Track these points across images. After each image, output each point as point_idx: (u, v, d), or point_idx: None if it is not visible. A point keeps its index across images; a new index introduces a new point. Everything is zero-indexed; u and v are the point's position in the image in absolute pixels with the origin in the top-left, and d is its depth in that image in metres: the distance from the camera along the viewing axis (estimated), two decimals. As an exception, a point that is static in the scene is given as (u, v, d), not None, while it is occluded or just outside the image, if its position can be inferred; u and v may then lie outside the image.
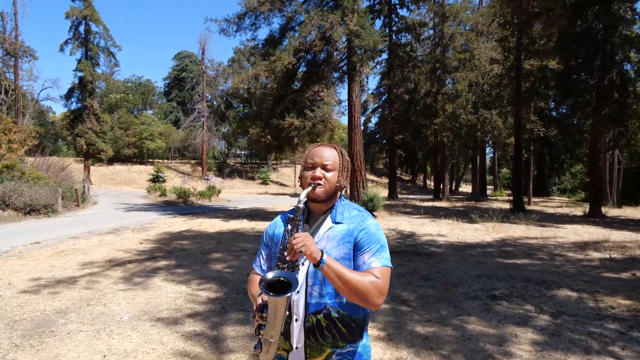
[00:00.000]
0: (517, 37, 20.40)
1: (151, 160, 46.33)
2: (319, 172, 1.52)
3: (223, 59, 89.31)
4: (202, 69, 43.35)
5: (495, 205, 24.88)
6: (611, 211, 20.15)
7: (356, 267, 1.48)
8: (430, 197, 33.10)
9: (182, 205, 19.55)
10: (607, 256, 8.09)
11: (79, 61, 34.85)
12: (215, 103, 46.57)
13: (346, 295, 1.40)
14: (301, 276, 1.48)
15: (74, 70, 35.01)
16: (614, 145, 20.61)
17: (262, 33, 36.68)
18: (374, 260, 1.46)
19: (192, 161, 47.98)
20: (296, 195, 33.57)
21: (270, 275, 1.31)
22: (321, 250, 1.36)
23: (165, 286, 5.40)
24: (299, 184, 1.66)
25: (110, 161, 41.08)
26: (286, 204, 22.69)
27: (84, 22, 34.96)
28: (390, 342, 3.81)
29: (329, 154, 1.56)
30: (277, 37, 15.48)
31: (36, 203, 13.69)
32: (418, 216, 16.09)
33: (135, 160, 45.03)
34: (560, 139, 23.30)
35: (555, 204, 28.52)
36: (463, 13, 29.29)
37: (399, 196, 31.68)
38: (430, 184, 55.49)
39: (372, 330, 4.06)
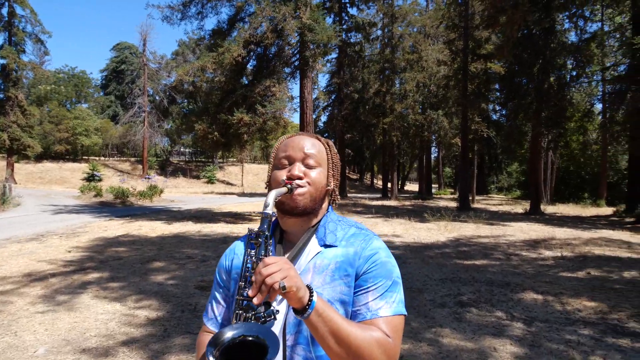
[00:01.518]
0: (464, 39, 20.87)
1: (86, 157, 43.13)
2: (297, 169, 1.05)
3: (166, 52, 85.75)
4: (143, 62, 40.96)
5: (442, 203, 25.46)
6: (548, 208, 21.20)
7: (354, 313, 0.98)
8: (378, 195, 33.39)
9: (119, 206, 18.11)
10: (559, 254, 8.20)
11: (1, 47, 31.57)
12: (157, 98, 44.22)
13: (335, 354, 0.89)
14: (276, 329, 0.96)
15: (-6, 57, 31.71)
16: (554, 147, 21.67)
17: (210, 23, 35.44)
18: (382, 306, 0.97)
19: (132, 159, 45.29)
20: (245, 194, 32.57)
21: (227, 333, 0.77)
22: (308, 287, 0.86)
23: (96, 305, 4.60)
24: (265, 187, 1.13)
25: (39, 158, 37.72)
26: (234, 203, 21.79)
27: (6, 3, 31.74)
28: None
29: (311, 144, 1.10)
30: (226, 28, 14.66)
31: (-56, 205, 11.97)
32: (370, 216, 15.93)
33: (67, 157, 41.69)
34: (503, 140, 24.19)
35: (495, 202, 29.73)
36: (411, 15, 29.80)
37: (348, 195, 31.66)
38: (378, 182, 56.37)
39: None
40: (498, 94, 24.73)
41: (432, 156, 43.02)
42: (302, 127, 14.95)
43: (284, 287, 0.79)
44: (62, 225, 11.33)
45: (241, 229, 11.51)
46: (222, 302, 1.10)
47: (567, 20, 18.81)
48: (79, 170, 35.62)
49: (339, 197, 1.17)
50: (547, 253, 8.42)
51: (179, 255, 7.39)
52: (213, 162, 47.93)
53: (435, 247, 9.08)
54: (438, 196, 36.10)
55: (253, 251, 0.91)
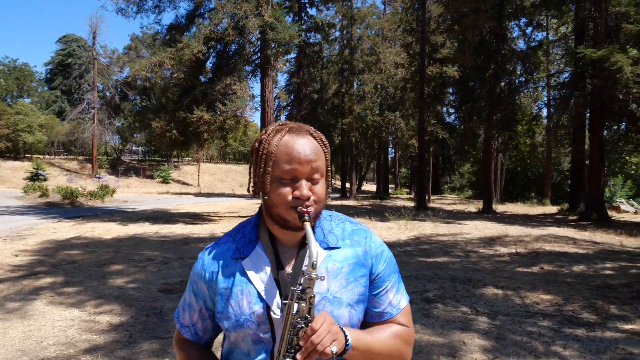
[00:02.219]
0: (421, 43, 21.46)
1: (29, 155, 40.52)
2: (305, 189, 0.93)
3: (118, 46, 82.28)
4: (92, 56, 39.07)
5: (400, 203, 26.04)
6: (499, 207, 22.22)
7: (379, 314, 1.00)
8: (337, 195, 33.66)
9: (68, 207, 17.16)
10: (514, 251, 8.60)
11: None
12: (108, 94, 42.32)
13: None
14: None
15: None
16: (505, 149, 22.71)
17: (167, 17, 34.27)
18: (400, 299, 1.04)
19: (80, 157, 43.06)
20: (201, 194, 31.79)
21: None
22: (342, 329, 0.88)
23: (51, 311, 4.32)
24: (249, 191, 1.04)
25: (-25, 156, 35.10)
26: (191, 203, 21.24)
27: (-62, -11, 29.28)
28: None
29: (314, 152, 0.96)
30: (184, 23, 14.27)
31: None
32: (331, 215, 16.02)
33: (8, 155, 38.98)
34: (458, 142, 25.09)
35: (450, 201, 30.80)
36: (370, 17, 30.26)
37: (308, 195, 31.71)
38: (335, 182, 56.83)
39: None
40: (452, 97, 25.63)
41: (389, 157, 43.93)
42: (263, 126, 14.80)
43: (334, 352, 0.82)
44: (6, 227, 10.57)
45: (201, 229, 11.22)
46: (197, 312, 1.05)
47: (516, 29, 19.79)
48: (21, 169, 33.45)
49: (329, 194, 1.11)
50: (503, 250, 8.81)
51: (138, 258, 7.09)
52: (168, 161, 46.48)
53: (397, 245, 9.26)
54: (395, 196, 36.91)
55: (295, 312, 0.85)
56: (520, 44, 21.71)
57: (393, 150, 43.98)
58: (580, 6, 16.37)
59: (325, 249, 0.99)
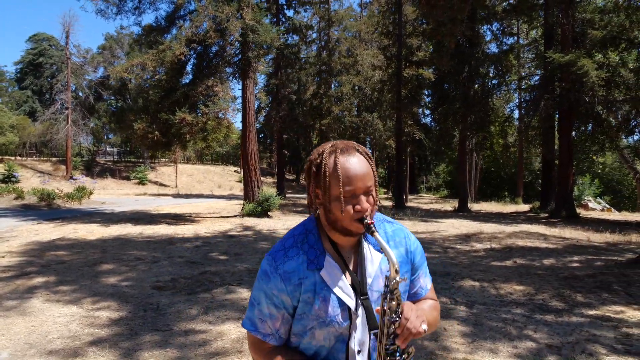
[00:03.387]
0: (398, 46, 21.96)
1: (0, 157, 39.33)
2: (365, 202, 1.08)
3: (92, 46, 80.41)
4: (66, 55, 38.15)
5: (378, 203, 26.48)
6: (474, 206, 22.94)
7: (414, 294, 1.26)
8: (316, 196, 33.88)
9: (45, 209, 16.88)
10: (489, 247, 9.05)
11: None
12: (81, 94, 41.42)
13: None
14: (361, 332, 1.15)
15: None
16: (479, 149, 23.45)
17: (147, 18, 33.81)
18: (428, 281, 1.29)
19: (53, 159, 41.99)
20: (180, 196, 31.54)
21: None
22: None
23: (50, 308, 4.44)
24: (309, 210, 1.20)
25: (-58, 158, 33.87)
26: (171, 204, 21.13)
27: None
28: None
29: (366, 169, 1.10)
30: (164, 25, 14.27)
31: None
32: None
33: (-23, 157, 37.79)
34: (434, 142, 25.73)
35: (426, 201, 31.49)
36: (347, 20, 30.67)
37: (287, 195, 31.87)
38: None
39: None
40: (428, 99, 26.27)
41: (367, 157, 44.34)
42: (245, 128, 14.94)
43: (425, 329, 1.03)
44: (-15, 230, 10.42)
45: (185, 230, 11.30)
46: (280, 319, 1.16)
47: (488, 32, 20.49)
48: (-8, 171, 32.41)
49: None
50: (478, 245, 9.26)
51: (127, 257, 7.19)
52: (144, 162, 45.80)
53: (379, 243, 9.59)
54: (373, 196, 37.35)
55: (387, 309, 1.02)
56: (493, 48, 22.48)
57: (371, 151, 44.54)
58: (549, 12, 17.13)
59: (377, 251, 1.17)
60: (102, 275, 5.92)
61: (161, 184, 41.96)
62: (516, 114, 31.20)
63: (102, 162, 46.00)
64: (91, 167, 41.39)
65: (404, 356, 1.06)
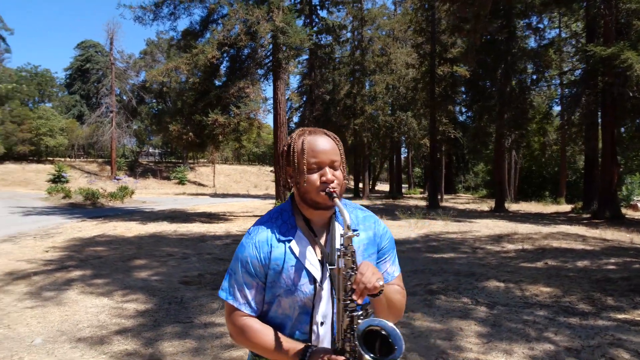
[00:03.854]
0: (431, 43, 21.61)
1: (51, 158, 41.72)
2: (330, 174, 1.19)
3: (134, 51, 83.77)
4: (110, 61, 40.04)
5: (412, 202, 26.19)
6: (512, 206, 22.22)
7: None
8: (350, 195, 33.92)
9: (90, 207, 17.82)
10: (520, 247, 8.79)
11: (-41, 44, 30.33)
12: (125, 97, 43.31)
13: (385, 316, 1.16)
14: (325, 304, 1.22)
15: (-48, 55, 30.40)
16: (516, 147, 22.72)
17: (182, 24, 35.03)
18: (395, 269, 1.33)
19: (100, 160, 44.17)
20: (217, 195, 32.41)
21: (360, 329, 1.04)
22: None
23: (83, 300, 4.75)
24: (282, 185, 1.31)
25: (1, 159, 36.32)
26: (207, 204, 21.76)
27: (-35, 0, 30.48)
28: (343, 345, 3.67)
29: (331, 146, 1.22)
30: (198, 29, 14.75)
31: None
32: (343, 214, 16.30)
33: (31, 158, 40.24)
34: (469, 141, 25.15)
35: (463, 201, 30.79)
36: (380, 18, 30.45)
37: (321, 195, 32.06)
38: (349, 183, 57.05)
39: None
40: (464, 96, 25.68)
41: (402, 156, 44.01)
42: (276, 128, 15.18)
43: (381, 284, 1.07)
44: (34, 226, 11.16)
45: (217, 228, 11.64)
46: (255, 288, 1.23)
47: (526, 27, 19.79)
48: (44, 172, 34.45)
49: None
50: (510, 246, 9.01)
51: (159, 254, 7.52)
52: (183, 163, 47.32)
53: (407, 242, 9.53)
54: (408, 195, 37.00)
55: (343, 266, 1.08)
56: (531, 42, 21.67)
57: (407, 150, 44.08)
58: (590, 4, 16.37)
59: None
60: (134, 270, 6.24)
61: (200, 184, 43.23)
62: (557, 110, 29.99)
63: (144, 162, 47.93)
64: (134, 167, 43.22)
65: (362, 312, 1.09)
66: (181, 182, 41.40)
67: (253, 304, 1.24)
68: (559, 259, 7.57)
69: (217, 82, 14.87)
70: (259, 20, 12.92)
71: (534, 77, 20.92)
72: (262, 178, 49.82)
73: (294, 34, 13.38)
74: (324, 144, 1.21)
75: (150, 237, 9.60)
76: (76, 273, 5.93)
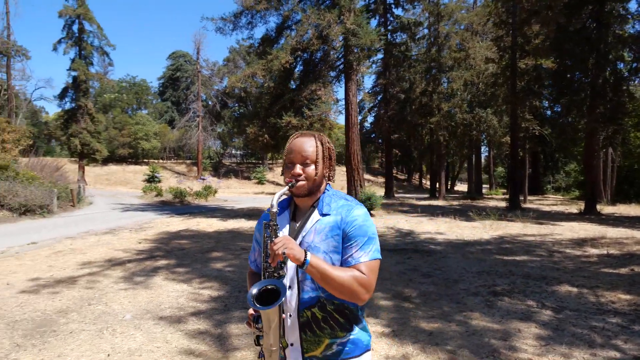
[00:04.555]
0: (512, 36, 20.46)
1: (146, 160, 46.07)
2: (298, 169, 1.45)
3: (218, 59, 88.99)
4: (197, 69, 43.17)
5: (492, 203, 24.99)
6: (606, 209, 20.28)
7: (344, 261, 1.43)
8: (426, 196, 33.17)
9: (178, 205, 19.46)
10: (605, 252, 8.15)
11: (73, 60, 34.58)
12: (210, 103, 46.39)
13: (331, 292, 1.36)
14: (291, 271, 1.44)
15: (67, 70, 34.72)
16: (610, 144, 20.73)
17: (259, 32, 36.94)
18: (362, 255, 1.41)
19: (188, 161, 47.80)
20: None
21: (255, 289, 1.29)
22: (305, 250, 1.33)
23: (167, 285, 5.37)
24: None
25: (105, 161, 40.82)
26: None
27: (77, 21, 34.70)
28: (395, 338, 3.81)
29: (307, 147, 1.46)
30: (274, 36, 15.46)
31: (31, 203, 13.57)
32: (415, 215, 16.12)
33: (130, 160, 44.78)
34: (555, 137, 23.42)
35: (550, 202, 28.66)
36: (458, 12, 29.40)
37: (396, 195, 31.74)
38: (426, 183, 55.62)
39: (376, 327, 4.06)
40: (549, 89, 23.92)
41: (483, 156, 42.02)
42: (348, 129, 15.43)
43: (283, 253, 1.29)
44: (131, 221, 12.55)
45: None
46: (257, 252, 1.59)
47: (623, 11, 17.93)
48: (140, 172, 38.10)
49: (334, 177, 1.57)
50: (593, 251, 8.39)
51: (234, 248, 8.13)
52: (263, 163, 49.50)
53: (478, 243, 9.26)
54: (489, 196, 35.26)
55: (267, 235, 1.35)
56: (629, 29, 19.57)
57: (488, 149, 42.03)
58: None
59: (320, 215, 1.46)
60: (211, 261, 6.85)
61: (277, 184, 44.91)
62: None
63: (227, 163, 50.93)
64: (218, 168, 46.12)
65: (277, 272, 1.36)
66: (260, 181, 43.37)
67: (256, 263, 1.61)
68: (649, 266, 6.92)
69: (292, 86, 15.50)
70: (329, 24, 13.26)
71: (634, 65, 18.91)
72: (337, 178, 50.41)
73: (365, 35, 13.53)
74: (300, 143, 1.46)
75: (228, 233, 10.34)
76: (162, 262, 6.67)
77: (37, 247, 8.19)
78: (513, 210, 17.87)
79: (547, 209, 21.41)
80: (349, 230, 1.43)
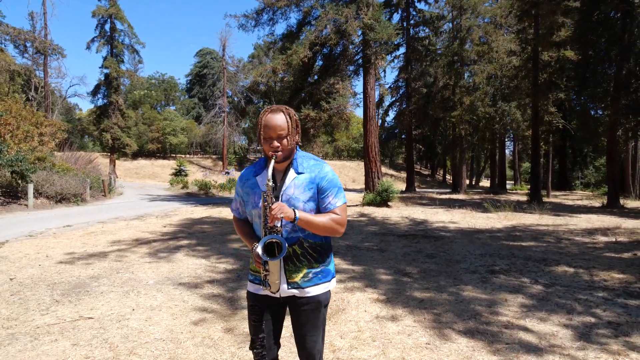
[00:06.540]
0: (535, 28, 20.26)
1: (174, 155, 47.54)
2: (276, 143, 1.72)
3: (243, 55, 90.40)
4: (222, 65, 44.13)
5: (514, 197, 24.78)
6: (631, 203, 19.89)
7: (323, 207, 1.83)
8: (448, 190, 33.08)
9: (203, 196, 20.23)
10: (613, 240, 8.25)
11: (105, 58, 36.04)
12: (235, 99, 47.33)
13: (317, 233, 1.77)
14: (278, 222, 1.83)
15: (100, 68, 36.27)
16: (633, 136, 20.28)
17: (280, 28, 37.61)
18: (337, 201, 1.83)
19: (213, 156, 48.99)
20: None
21: (261, 244, 1.68)
22: (293, 210, 1.70)
23: (187, 260, 5.90)
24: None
25: (135, 156, 42.37)
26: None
27: (109, 20, 36.11)
28: (387, 303, 4.19)
29: (280, 122, 1.72)
30: (294, 32, 15.89)
31: (66, 192, 14.50)
32: (433, 207, 16.30)
33: (158, 155, 46.28)
34: (579, 130, 23.03)
35: (575, 197, 28.14)
36: (481, 5, 29.08)
37: (417, 190, 31.78)
38: (450, 178, 55.18)
39: (372, 294, 4.45)
40: (573, 82, 23.50)
41: (508, 150, 41.39)
42: (366, 121, 15.73)
43: (281, 217, 1.68)
44: (157, 209, 13.28)
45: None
46: (238, 202, 1.94)
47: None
48: (168, 166, 39.41)
49: (300, 142, 1.90)
50: (602, 239, 8.49)
51: (251, 231, 8.64)
52: (285, 158, 50.16)
53: (488, 231, 9.47)
54: (513, 191, 34.83)
55: (266, 202, 1.70)
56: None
57: (513, 144, 41.41)
58: None
59: (296, 173, 1.80)
60: (229, 242, 7.36)
61: (300, 178, 45.52)
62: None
63: (252, 158, 51.86)
64: (243, 162, 47.08)
65: (274, 229, 1.73)
66: (282, 176, 44.05)
67: (238, 211, 1.97)
68: (654, 252, 7.03)
69: (310, 80, 15.90)
70: (347, 19, 13.59)
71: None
72: (360, 173, 50.51)
73: (382, 30, 13.79)
74: (274, 120, 1.73)
75: (247, 220, 10.88)
76: (184, 242, 7.23)
77: (72, 229, 8.91)
78: (533, 203, 17.79)
79: (570, 202, 21.15)
80: (322, 184, 1.82)
